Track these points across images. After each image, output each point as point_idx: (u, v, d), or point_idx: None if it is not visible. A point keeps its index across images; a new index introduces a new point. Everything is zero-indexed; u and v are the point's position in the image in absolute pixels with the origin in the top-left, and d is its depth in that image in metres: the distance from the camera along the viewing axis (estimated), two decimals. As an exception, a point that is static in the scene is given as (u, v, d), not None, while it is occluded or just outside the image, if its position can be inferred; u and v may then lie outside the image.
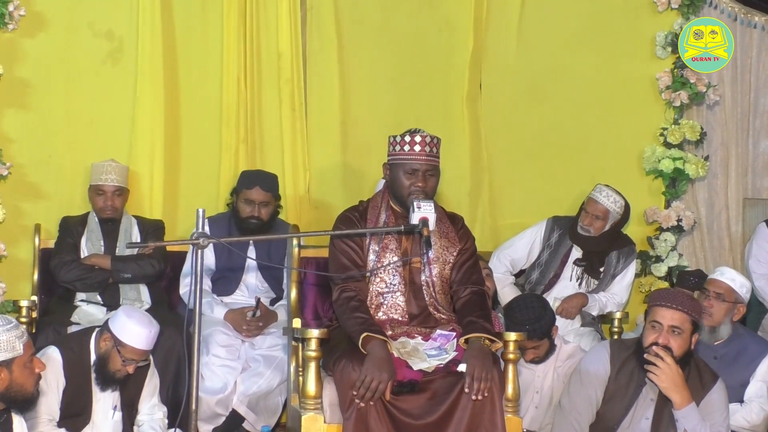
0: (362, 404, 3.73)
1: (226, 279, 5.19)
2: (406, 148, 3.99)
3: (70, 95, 5.49)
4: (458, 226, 4.20)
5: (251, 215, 5.12)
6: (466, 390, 3.76)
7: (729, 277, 4.74)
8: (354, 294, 4.00)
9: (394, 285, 4.05)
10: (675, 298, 3.99)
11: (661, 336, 3.94)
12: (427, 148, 3.99)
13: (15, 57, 5.36)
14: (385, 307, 4.05)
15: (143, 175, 5.49)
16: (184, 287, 5.14)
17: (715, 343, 4.67)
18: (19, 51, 5.39)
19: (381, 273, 4.04)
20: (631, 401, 4.03)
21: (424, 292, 4.07)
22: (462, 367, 3.80)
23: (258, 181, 5.17)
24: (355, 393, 3.73)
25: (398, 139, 4.03)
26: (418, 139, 3.98)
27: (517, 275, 5.53)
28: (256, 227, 5.12)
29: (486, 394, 3.77)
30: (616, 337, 5.26)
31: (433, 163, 4.02)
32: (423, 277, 4.07)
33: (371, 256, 4.05)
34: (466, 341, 3.88)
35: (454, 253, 4.11)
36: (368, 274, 4.03)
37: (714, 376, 4.10)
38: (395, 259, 4.05)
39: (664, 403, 3.99)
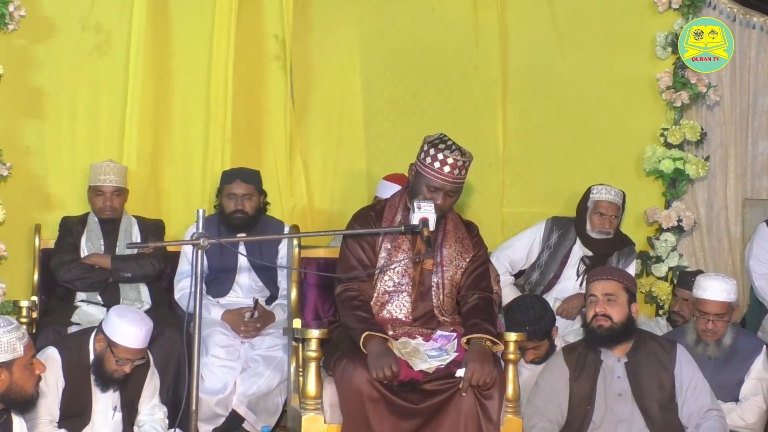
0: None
1: (219, 280, 5.19)
2: (437, 164, 3.93)
3: (61, 92, 5.47)
4: (473, 234, 4.20)
5: (235, 209, 5.14)
6: (464, 394, 3.78)
7: (723, 291, 4.56)
8: (357, 293, 4.01)
9: (402, 285, 4.06)
10: (604, 271, 4.31)
11: (598, 306, 4.10)
12: (457, 171, 3.94)
13: (11, 55, 5.35)
14: (390, 305, 4.05)
15: (131, 173, 5.44)
16: (179, 292, 5.13)
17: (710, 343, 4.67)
18: (17, 50, 5.38)
19: (390, 272, 4.04)
20: (595, 377, 4.10)
21: (433, 294, 4.07)
22: (460, 372, 3.80)
23: (238, 175, 5.21)
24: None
25: (432, 151, 3.95)
26: (450, 160, 3.92)
27: (517, 276, 5.53)
28: (242, 222, 5.14)
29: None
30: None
31: (458, 184, 3.99)
32: (435, 280, 4.08)
33: (383, 254, 4.05)
34: (468, 342, 3.88)
35: (467, 259, 4.12)
36: (377, 271, 4.03)
37: (671, 341, 4.26)
38: (406, 259, 4.05)
39: (635, 374, 4.08)
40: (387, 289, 4.06)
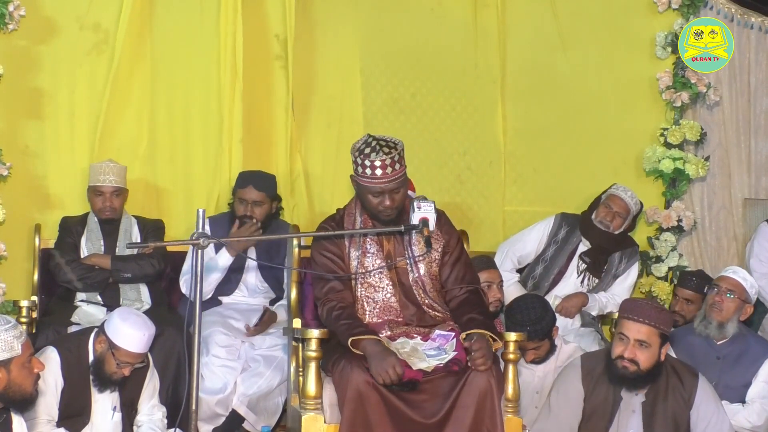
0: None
1: (225, 278, 5.18)
2: (368, 171, 3.89)
3: (61, 92, 5.46)
4: (440, 222, 4.09)
5: (244, 214, 5.12)
6: (470, 364, 3.78)
7: (741, 276, 4.75)
8: (335, 303, 3.99)
9: (382, 287, 4.05)
10: (642, 311, 3.98)
11: (627, 350, 3.96)
12: (389, 169, 3.89)
13: (11, 55, 5.34)
14: (378, 310, 4.04)
15: (131, 173, 5.42)
16: (184, 284, 5.13)
17: (719, 343, 4.69)
18: (18, 50, 5.38)
19: (368, 277, 4.03)
20: (611, 416, 4.04)
21: (415, 291, 4.06)
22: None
23: (251, 181, 5.17)
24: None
25: (360, 159, 3.91)
26: (378, 162, 3.87)
27: (520, 271, 5.53)
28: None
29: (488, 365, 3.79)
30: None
31: (396, 180, 3.93)
32: (411, 277, 4.06)
33: (353, 262, 4.04)
34: (468, 336, 3.87)
35: (439, 249, 4.10)
36: (358, 275, 4.01)
37: (693, 373, 4.11)
38: (378, 261, 4.04)
39: (650, 412, 4.01)
40: (369, 294, 4.05)
